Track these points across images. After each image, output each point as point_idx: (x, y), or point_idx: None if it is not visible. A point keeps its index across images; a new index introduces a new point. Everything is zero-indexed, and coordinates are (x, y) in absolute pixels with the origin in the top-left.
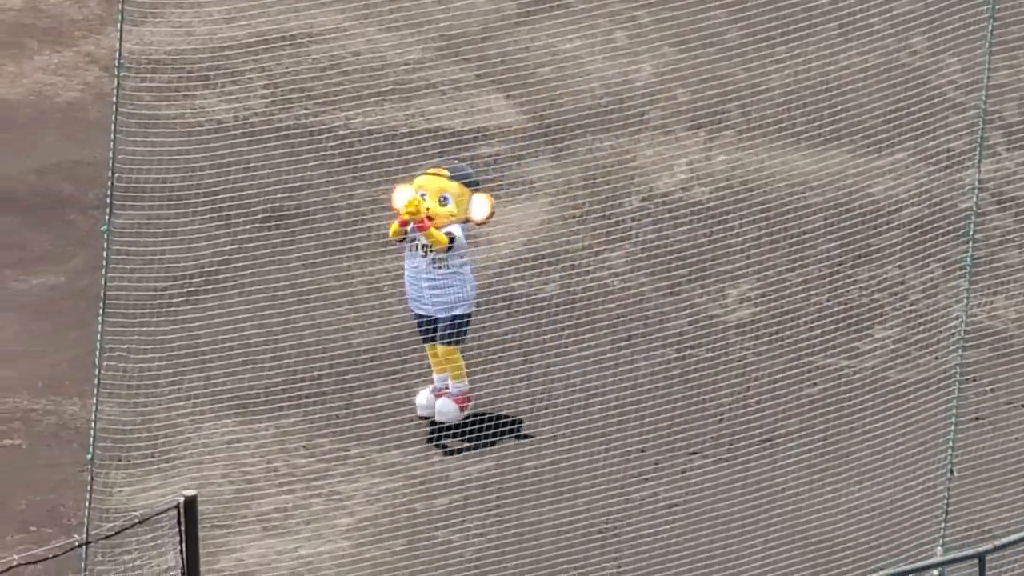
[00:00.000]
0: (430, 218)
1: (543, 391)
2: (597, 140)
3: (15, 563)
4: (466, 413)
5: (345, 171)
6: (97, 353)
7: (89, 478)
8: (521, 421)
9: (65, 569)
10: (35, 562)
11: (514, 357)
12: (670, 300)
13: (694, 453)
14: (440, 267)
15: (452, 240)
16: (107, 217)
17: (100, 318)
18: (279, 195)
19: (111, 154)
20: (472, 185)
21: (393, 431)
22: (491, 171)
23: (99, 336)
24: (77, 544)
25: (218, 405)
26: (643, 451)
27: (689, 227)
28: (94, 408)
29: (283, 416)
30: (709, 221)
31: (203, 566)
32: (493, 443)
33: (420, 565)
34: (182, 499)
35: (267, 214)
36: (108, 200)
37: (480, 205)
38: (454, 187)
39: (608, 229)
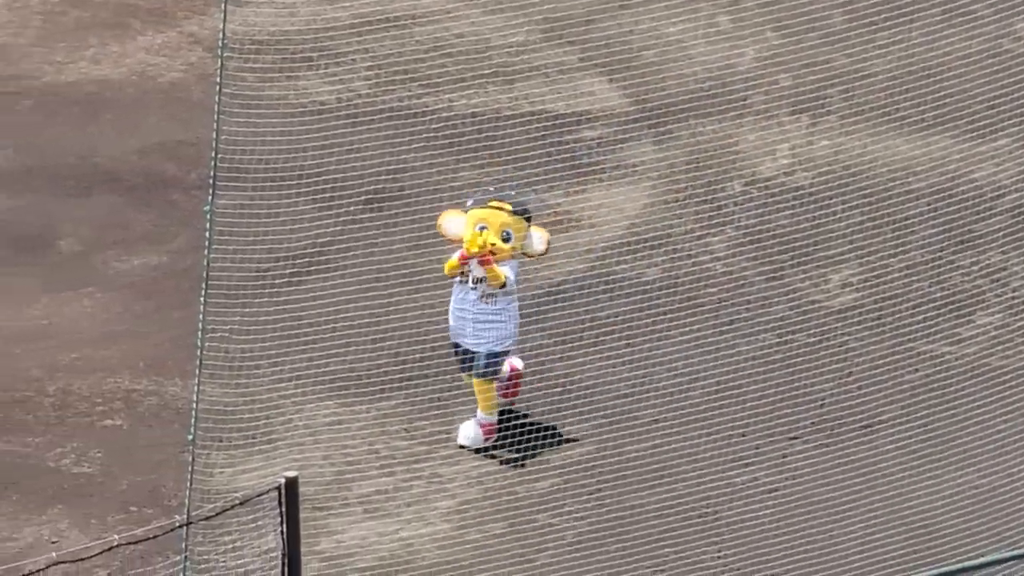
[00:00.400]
0: (493, 253)
1: (644, 375)
2: (700, 124)
3: (116, 543)
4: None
5: (448, 154)
6: (199, 334)
7: (190, 459)
8: (622, 405)
9: (165, 549)
10: (135, 542)
11: (616, 341)
12: (772, 285)
13: (795, 438)
14: (489, 303)
15: (504, 284)
16: (210, 197)
17: (202, 299)
18: (382, 177)
19: (214, 135)
20: (528, 217)
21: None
22: (594, 154)
23: (201, 317)
24: (178, 525)
25: (320, 387)
26: (744, 436)
27: (791, 212)
28: (196, 389)
29: (384, 398)
30: (811, 206)
31: (304, 548)
32: (594, 427)
33: (520, 548)
34: (283, 481)
35: (370, 196)
36: (211, 180)
37: (537, 239)
38: (514, 222)
39: (710, 213)
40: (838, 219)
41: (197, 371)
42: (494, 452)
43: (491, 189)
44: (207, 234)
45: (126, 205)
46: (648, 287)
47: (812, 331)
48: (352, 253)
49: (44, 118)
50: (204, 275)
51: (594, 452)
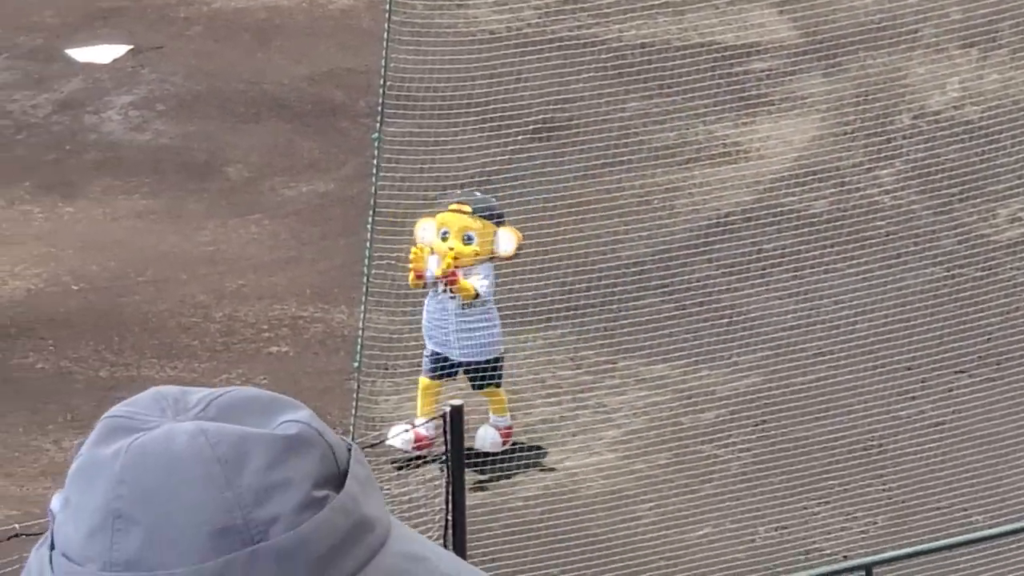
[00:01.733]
0: (458, 265)
1: (811, 307)
2: (869, 57)
3: None
4: (507, 446)
5: (617, 84)
6: (366, 261)
7: (355, 386)
8: (788, 337)
9: None
10: None
11: (783, 273)
12: (940, 219)
13: (961, 372)
14: (470, 307)
15: (477, 295)
16: (378, 125)
17: (369, 226)
18: (550, 107)
19: (383, 62)
20: (497, 219)
21: (661, 344)
22: (762, 86)
23: (368, 244)
24: None
25: None
26: (910, 369)
27: (960, 146)
28: (362, 316)
29: (551, 328)
30: (980, 140)
31: (467, 476)
32: (760, 359)
33: (685, 479)
34: (448, 408)
35: (538, 125)
36: (379, 108)
37: (506, 240)
38: (477, 224)
39: (879, 146)
40: (1007, 153)
41: (363, 299)
42: (660, 383)
43: (457, 192)
44: (375, 162)
45: (294, 132)
46: (816, 219)
47: (980, 265)
48: (519, 182)
49: (214, 44)
50: (371, 203)
51: (760, 384)
